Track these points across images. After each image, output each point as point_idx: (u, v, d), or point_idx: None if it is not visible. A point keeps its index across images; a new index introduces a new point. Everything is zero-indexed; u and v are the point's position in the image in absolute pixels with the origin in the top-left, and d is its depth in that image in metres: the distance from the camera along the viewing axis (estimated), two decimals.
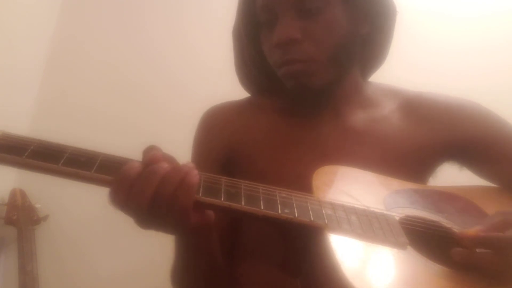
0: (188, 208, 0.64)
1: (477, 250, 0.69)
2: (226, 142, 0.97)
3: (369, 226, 0.69)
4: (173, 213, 0.64)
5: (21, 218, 1.96)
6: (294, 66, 0.87)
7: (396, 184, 0.84)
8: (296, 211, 0.67)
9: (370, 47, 0.97)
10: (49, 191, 2.09)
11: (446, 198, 0.86)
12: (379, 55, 1.00)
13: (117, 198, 0.63)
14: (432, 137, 0.93)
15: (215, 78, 2.04)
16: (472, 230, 0.70)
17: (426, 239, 0.74)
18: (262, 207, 0.66)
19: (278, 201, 0.67)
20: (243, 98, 1.06)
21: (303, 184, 0.74)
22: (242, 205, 0.65)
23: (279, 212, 0.66)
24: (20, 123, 2.02)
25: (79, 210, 2.10)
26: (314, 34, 0.86)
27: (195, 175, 0.65)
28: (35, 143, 0.64)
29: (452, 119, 0.94)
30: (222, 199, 0.65)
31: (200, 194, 0.65)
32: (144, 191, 0.62)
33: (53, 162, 0.62)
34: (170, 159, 0.68)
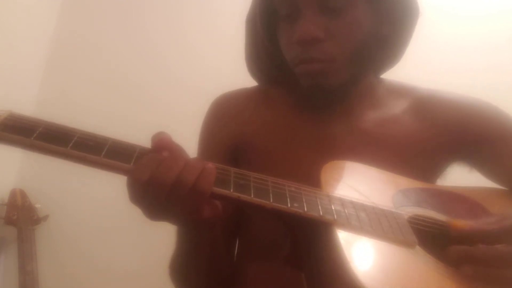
0: (206, 195, 0.64)
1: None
2: (236, 132, 0.95)
3: (378, 223, 0.68)
4: (190, 201, 0.64)
5: (21, 218, 1.97)
6: (312, 65, 0.85)
7: (404, 182, 0.83)
8: (305, 205, 0.66)
9: (388, 47, 0.95)
10: (49, 191, 2.10)
11: (454, 199, 0.85)
12: (395, 55, 0.98)
13: (138, 181, 0.63)
14: (443, 137, 0.92)
15: (217, 75, 2.04)
16: (461, 222, 0.70)
17: (435, 239, 0.73)
18: (271, 200, 0.65)
19: (287, 195, 0.67)
20: (253, 86, 1.04)
21: (312, 183, 0.73)
22: (252, 197, 0.65)
23: (288, 205, 0.65)
24: None
25: (79, 210, 2.11)
26: (337, 34, 0.84)
27: (213, 167, 0.66)
28: (43, 124, 0.63)
29: (463, 119, 0.92)
30: (232, 190, 0.65)
31: None
32: (168, 175, 0.62)
33: (62, 145, 0.61)
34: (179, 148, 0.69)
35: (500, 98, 0.95)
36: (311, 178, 0.75)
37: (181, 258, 0.85)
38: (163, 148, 0.66)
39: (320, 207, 0.67)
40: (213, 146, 0.97)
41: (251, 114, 0.97)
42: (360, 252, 0.64)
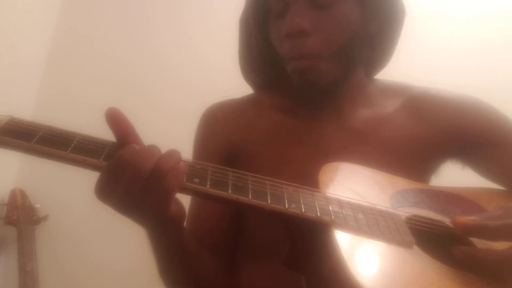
0: (176, 188, 0.64)
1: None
2: (228, 140, 0.96)
3: (376, 224, 0.68)
4: (161, 193, 0.63)
5: (21, 218, 1.97)
6: (301, 62, 0.86)
7: (402, 183, 0.84)
8: (303, 206, 0.66)
9: (376, 46, 0.96)
10: (49, 191, 2.10)
11: (452, 199, 0.85)
12: (384, 55, 0.99)
13: (111, 175, 0.63)
14: (436, 134, 0.92)
15: (216, 75, 2.04)
16: (464, 217, 0.70)
17: (432, 239, 0.73)
18: (269, 201, 0.65)
19: (285, 196, 0.67)
20: (244, 96, 1.05)
21: (305, 182, 0.73)
22: (249, 198, 0.65)
23: (286, 207, 0.65)
24: None
25: (79, 210, 2.10)
26: (324, 27, 0.86)
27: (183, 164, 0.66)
28: (44, 129, 0.64)
29: (456, 116, 0.93)
30: (230, 192, 0.65)
31: (208, 187, 0.65)
32: (144, 167, 0.62)
33: (62, 149, 0.62)
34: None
35: (500, 99, 0.96)
36: (304, 178, 0.75)
37: (159, 265, 0.84)
38: (132, 141, 0.66)
39: (317, 208, 0.67)
40: (206, 155, 0.97)
41: (242, 122, 0.98)
42: (357, 253, 0.64)
